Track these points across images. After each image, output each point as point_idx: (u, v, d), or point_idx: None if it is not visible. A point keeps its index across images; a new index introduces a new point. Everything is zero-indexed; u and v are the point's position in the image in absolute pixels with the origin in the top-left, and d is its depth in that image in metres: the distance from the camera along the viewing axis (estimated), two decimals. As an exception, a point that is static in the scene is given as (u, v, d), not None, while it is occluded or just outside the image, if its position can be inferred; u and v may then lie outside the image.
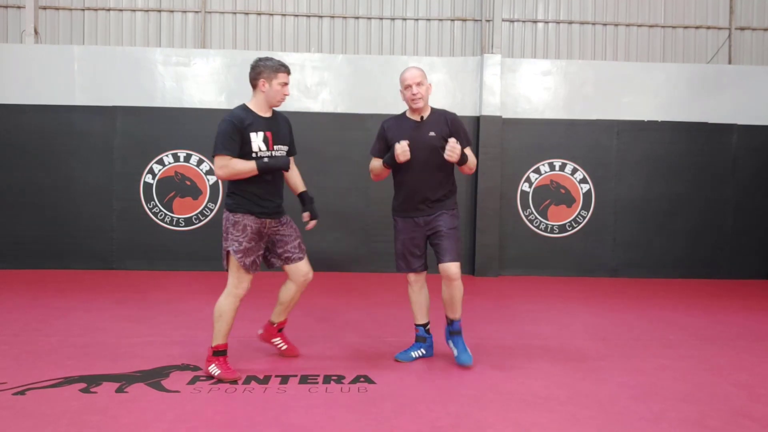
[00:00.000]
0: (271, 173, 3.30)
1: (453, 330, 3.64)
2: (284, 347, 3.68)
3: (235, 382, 3.22)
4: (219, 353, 3.34)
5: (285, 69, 3.34)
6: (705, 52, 8.11)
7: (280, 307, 3.62)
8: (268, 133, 3.31)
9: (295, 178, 3.62)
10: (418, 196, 3.53)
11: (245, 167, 3.21)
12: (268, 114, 3.38)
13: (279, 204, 3.42)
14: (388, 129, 3.61)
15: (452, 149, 3.35)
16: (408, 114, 3.61)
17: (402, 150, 3.40)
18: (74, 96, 7.23)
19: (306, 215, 3.61)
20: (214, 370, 3.29)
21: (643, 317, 5.13)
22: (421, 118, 3.55)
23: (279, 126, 3.42)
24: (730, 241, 7.57)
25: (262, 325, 3.77)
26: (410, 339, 3.87)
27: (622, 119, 7.52)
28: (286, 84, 3.34)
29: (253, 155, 3.25)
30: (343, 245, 7.30)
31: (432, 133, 3.48)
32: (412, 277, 3.70)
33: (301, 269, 3.50)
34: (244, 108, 3.34)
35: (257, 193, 3.30)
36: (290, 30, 7.92)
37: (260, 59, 3.36)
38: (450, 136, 3.43)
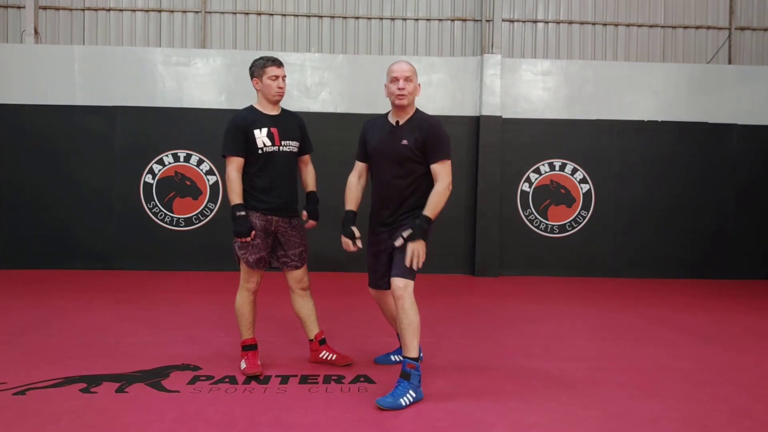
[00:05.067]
0: (232, 220, 3.27)
1: (402, 369, 2.97)
2: (333, 357, 3.55)
3: (257, 377, 3.27)
4: (246, 348, 3.40)
5: (273, 63, 3.33)
6: (705, 52, 8.11)
7: (306, 322, 3.58)
8: (274, 129, 3.33)
9: (308, 176, 3.61)
10: (385, 210, 3.19)
11: (232, 194, 3.27)
12: (274, 112, 3.39)
13: (288, 202, 3.38)
14: (367, 130, 3.29)
15: (411, 257, 2.90)
16: (389, 116, 3.21)
17: (345, 244, 3.30)
18: (74, 96, 7.23)
19: (304, 214, 3.58)
20: (242, 364, 3.36)
21: (643, 317, 5.13)
22: (397, 122, 3.14)
23: (287, 123, 3.42)
24: (730, 241, 7.58)
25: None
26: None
27: (622, 119, 7.52)
28: (277, 77, 3.32)
29: (259, 151, 3.29)
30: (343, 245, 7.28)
31: (405, 141, 3.05)
32: (372, 292, 3.48)
33: (295, 275, 3.49)
34: (249, 108, 3.41)
35: (260, 187, 3.32)
36: (290, 30, 7.92)
37: (254, 60, 3.40)
38: (423, 144, 3.02)
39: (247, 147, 3.29)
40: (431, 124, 3.09)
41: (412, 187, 3.12)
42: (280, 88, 3.33)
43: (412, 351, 2.96)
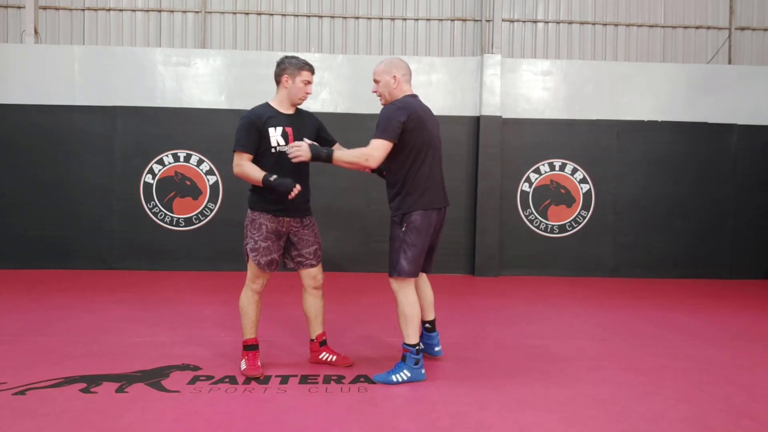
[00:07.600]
0: (273, 191, 3.19)
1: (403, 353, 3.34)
2: (333, 358, 3.56)
3: (257, 378, 3.26)
4: (247, 348, 3.39)
5: (309, 68, 3.36)
6: (705, 52, 8.11)
7: (312, 322, 3.58)
8: (288, 129, 3.31)
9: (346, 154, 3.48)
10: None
11: (253, 175, 3.20)
12: (290, 111, 3.38)
13: (299, 201, 3.34)
14: None
15: (293, 150, 3.13)
16: None
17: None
18: (74, 96, 7.23)
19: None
20: (242, 365, 3.35)
21: (643, 317, 5.13)
22: None
23: (302, 123, 3.40)
24: (730, 241, 7.58)
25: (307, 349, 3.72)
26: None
27: (622, 119, 7.52)
28: (309, 82, 3.36)
29: (272, 150, 3.26)
30: (343, 245, 7.30)
31: None
32: None
33: (311, 273, 3.49)
34: (264, 105, 3.38)
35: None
36: (290, 30, 7.92)
37: (287, 57, 3.40)
38: None
39: (260, 145, 3.25)
40: (383, 109, 3.27)
41: (388, 173, 3.35)
42: (307, 93, 3.37)
43: (406, 338, 3.28)
